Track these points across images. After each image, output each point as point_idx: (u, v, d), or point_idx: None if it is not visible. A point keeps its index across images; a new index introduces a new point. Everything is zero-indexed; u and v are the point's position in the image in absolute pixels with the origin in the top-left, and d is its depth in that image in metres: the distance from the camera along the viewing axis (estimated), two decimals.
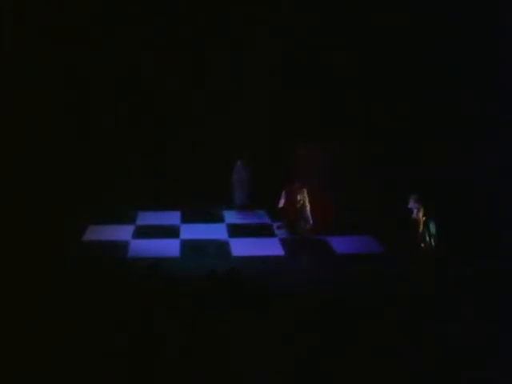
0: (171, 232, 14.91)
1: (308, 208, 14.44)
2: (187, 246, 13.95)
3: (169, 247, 13.83)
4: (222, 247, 13.90)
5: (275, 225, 15.34)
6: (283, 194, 14.96)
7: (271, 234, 14.90)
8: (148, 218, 15.95)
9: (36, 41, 16.37)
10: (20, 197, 15.27)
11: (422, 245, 12.64)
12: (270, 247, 14.00)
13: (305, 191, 14.47)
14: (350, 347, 8.75)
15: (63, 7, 16.40)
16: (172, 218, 16.03)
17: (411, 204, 12.75)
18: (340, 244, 14.03)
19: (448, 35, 15.25)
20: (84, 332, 8.90)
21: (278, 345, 8.67)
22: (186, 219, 15.94)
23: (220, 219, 16.04)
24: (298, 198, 14.47)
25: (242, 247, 13.90)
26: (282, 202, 15.05)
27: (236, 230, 15.11)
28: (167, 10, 16.86)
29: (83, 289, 10.27)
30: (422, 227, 12.60)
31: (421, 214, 12.63)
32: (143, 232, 14.95)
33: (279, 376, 8.12)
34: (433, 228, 12.29)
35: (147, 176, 16.90)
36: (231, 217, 16.24)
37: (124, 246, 13.89)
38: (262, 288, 10.52)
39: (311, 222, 14.40)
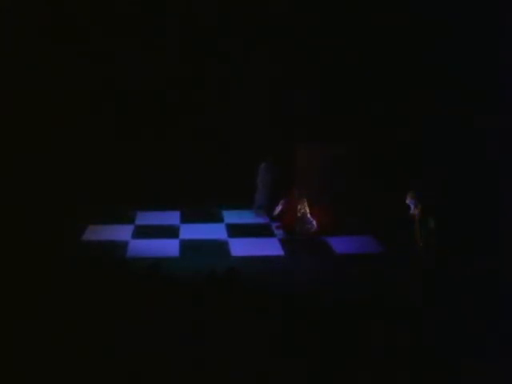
0: (171, 232, 14.91)
1: (309, 216, 14.44)
2: (187, 245, 13.95)
3: (168, 247, 13.82)
4: (221, 247, 13.90)
5: (274, 225, 15.33)
6: (281, 202, 14.99)
7: (271, 234, 14.90)
8: (147, 218, 15.94)
9: (36, 41, 16.37)
10: (20, 197, 15.26)
11: (420, 242, 12.67)
12: (269, 247, 13.99)
13: (305, 201, 14.47)
14: (350, 347, 8.75)
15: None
16: (171, 217, 16.03)
17: (408, 200, 12.79)
18: (340, 244, 14.03)
19: (448, 35, 15.26)
20: (84, 332, 8.89)
21: (278, 345, 8.67)
22: (185, 219, 15.93)
23: (219, 219, 16.03)
24: (299, 207, 14.47)
25: (241, 247, 13.89)
26: (277, 210, 15.10)
27: (235, 230, 15.10)
28: (167, 10, 16.85)
29: (83, 289, 10.26)
30: (418, 223, 12.64)
31: (418, 210, 12.67)
32: (142, 232, 14.95)
33: (279, 376, 8.11)
34: (431, 225, 12.31)
35: (147, 176, 16.87)
36: (231, 217, 16.23)
37: (123, 245, 13.89)
38: (261, 288, 10.52)
39: (315, 225, 14.40)
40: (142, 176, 16.87)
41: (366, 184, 15.49)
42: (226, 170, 16.74)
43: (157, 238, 14.56)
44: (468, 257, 12.58)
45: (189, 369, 8.16)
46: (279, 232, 14.87)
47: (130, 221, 15.71)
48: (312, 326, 9.16)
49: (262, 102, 16.95)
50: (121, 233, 14.80)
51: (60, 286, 10.57)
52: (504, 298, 10.63)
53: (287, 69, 16.87)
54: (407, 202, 12.80)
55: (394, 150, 16.13)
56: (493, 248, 12.73)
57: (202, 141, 17.26)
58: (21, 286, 10.66)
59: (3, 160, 15.94)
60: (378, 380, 8.16)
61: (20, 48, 16.26)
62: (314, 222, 14.41)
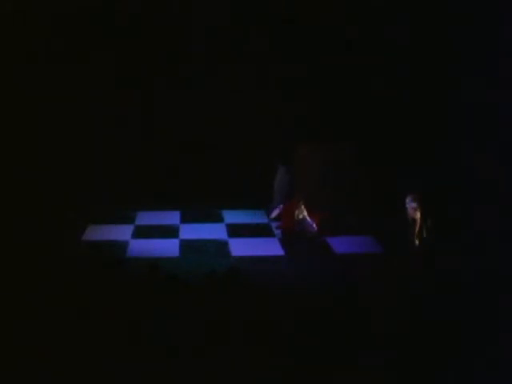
0: (170, 232, 14.90)
1: (308, 219, 14.44)
2: (187, 245, 13.95)
3: (168, 247, 13.83)
4: (221, 247, 13.90)
5: (274, 225, 15.33)
6: (279, 206, 15.01)
7: (271, 234, 14.90)
8: (147, 218, 15.94)
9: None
10: (20, 196, 15.26)
11: (417, 242, 12.65)
12: (269, 247, 14.00)
13: (302, 205, 14.46)
14: (351, 347, 8.75)
15: None
16: (171, 217, 16.02)
17: (408, 202, 12.75)
18: (340, 244, 14.03)
19: (448, 35, 15.29)
20: (84, 332, 8.89)
21: (277, 345, 8.67)
22: (185, 219, 15.93)
23: (219, 219, 16.03)
24: (296, 212, 14.46)
25: (241, 247, 13.89)
26: (274, 213, 15.13)
27: (236, 230, 15.09)
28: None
29: (82, 289, 10.26)
30: (419, 225, 12.62)
31: (418, 213, 12.64)
32: (143, 232, 14.95)
33: (279, 376, 8.11)
34: (429, 226, 12.30)
35: (147, 176, 16.86)
36: (231, 217, 16.22)
37: (123, 245, 13.89)
38: (262, 288, 10.52)
39: (315, 228, 14.39)
40: (142, 176, 16.85)
41: (366, 184, 15.49)
42: (226, 169, 16.77)
43: (157, 237, 14.56)
44: (467, 257, 12.58)
45: (188, 369, 8.16)
46: (279, 232, 14.87)
47: (130, 221, 15.71)
48: (312, 326, 9.16)
49: (262, 102, 16.93)
50: (121, 233, 14.80)
51: (59, 286, 10.57)
52: (503, 298, 10.64)
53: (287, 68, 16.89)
54: (407, 204, 12.74)
55: (394, 150, 16.12)
56: (492, 248, 12.74)
57: (203, 140, 17.24)
58: (20, 286, 10.67)
59: (3, 160, 15.93)
60: (377, 380, 8.16)
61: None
62: (314, 225, 14.40)
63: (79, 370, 8.13)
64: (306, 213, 14.45)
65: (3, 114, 16.11)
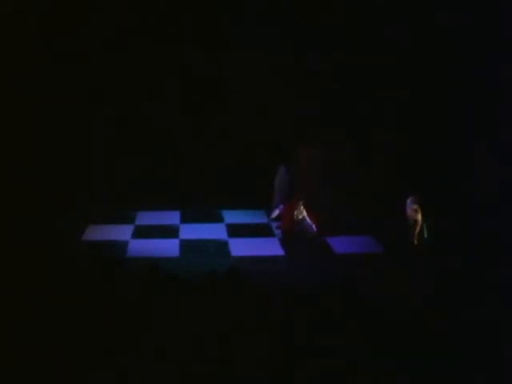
0: (170, 232, 14.90)
1: (308, 219, 14.43)
2: (187, 245, 13.95)
3: (168, 247, 13.83)
4: (221, 247, 13.90)
5: (274, 225, 15.33)
6: (279, 206, 15.02)
7: (271, 234, 14.90)
8: (147, 218, 15.93)
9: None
10: (20, 196, 15.26)
11: (416, 243, 12.67)
12: (269, 247, 14.00)
13: (301, 205, 14.45)
14: (350, 347, 8.75)
15: None
16: (171, 217, 16.02)
17: (409, 204, 12.77)
18: (340, 244, 14.03)
19: (447, 35, 15.29)
20: (84, 332, 8.89)
21: (277, 345, 8.67)
22: (185, 219, 15.93)
23: (219, 219, 16.03)
24: (295, 213, 14.46)
25: (241, 247, 13.89)
26: (274, 213, 15.14)
27: (236, 230, 15.09)
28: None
29: (82, 289, 10.25)
30: (419, 227, 12.64)
31: (419, 214, 12.66)
32: (143, 232, 14.95)
33: (278, 376, 8.11)
34: (429, 226, 12.32)
35: (147, 176, 16.85)
36: (231, 217, 16.22)
37: (123, 245, 13.89)
38: (262, 288, 10.52)
39: (315, 229, 14.38)
40: (142, 176, 16.84)
41: (366, 184, 15.48)
42: (226, 169, 16.76)
43: (157, 237, 14.56)
44: (466, 256, 12.58)
45: (188, 368, 8.16)
46: (279, 232, 14.87)
47: (130, 221, 15.71)
48: (312, 326, 9.16)
49: (262, 101, 16.92)
50: (121, 233, 14.80)
51: (59, 286, 10.56)
52: (503, 298, 10.64)
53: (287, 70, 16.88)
54: (408, 205, 12.74)
55: (394, 150, 16.12)
56: (492, 248, 12.75)
57: (202, 140, 17.24)
58: (21, 286, 10.66)
59: (2, 160, 15.93)
60: (378, 380, 8.15)
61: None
62: (314, 226, 14.40)
63: (79, 370, 8.12)
64: (305, 213, 14.46)
65: (3, 114, 16.10)
